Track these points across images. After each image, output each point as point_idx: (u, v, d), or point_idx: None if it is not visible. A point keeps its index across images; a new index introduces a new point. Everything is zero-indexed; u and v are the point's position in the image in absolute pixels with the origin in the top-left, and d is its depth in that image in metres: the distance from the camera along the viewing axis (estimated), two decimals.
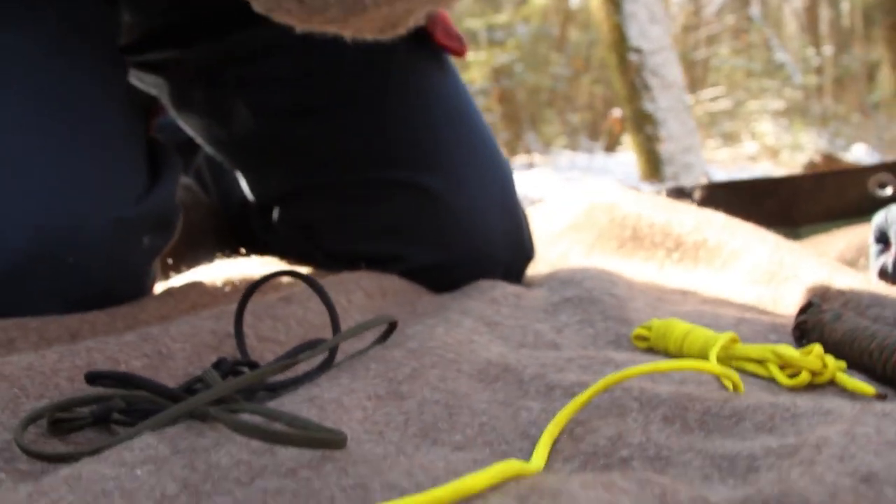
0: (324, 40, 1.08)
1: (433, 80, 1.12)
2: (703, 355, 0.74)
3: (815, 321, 0.78)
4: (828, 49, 11.81)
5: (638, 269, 1.19)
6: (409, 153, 1.08)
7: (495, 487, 0.44)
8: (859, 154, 6.46)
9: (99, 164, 0.86)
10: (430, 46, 1.11)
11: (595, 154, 7.68)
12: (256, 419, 0.53)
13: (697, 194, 1.54)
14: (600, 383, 0.56)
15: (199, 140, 1.19)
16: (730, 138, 10.59)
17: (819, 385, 0.67)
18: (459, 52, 1.14)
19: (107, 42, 0.95)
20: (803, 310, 0.81)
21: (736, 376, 0.62)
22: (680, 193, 1.56)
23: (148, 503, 0.45)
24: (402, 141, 1.08)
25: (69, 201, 0.81)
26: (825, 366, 0.68)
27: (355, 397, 0.60)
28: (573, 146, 9.01)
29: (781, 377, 0.68)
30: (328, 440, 0.49)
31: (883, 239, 1.06)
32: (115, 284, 0.86)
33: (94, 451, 0.51)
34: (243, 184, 1.21)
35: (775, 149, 9.59)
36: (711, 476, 0.50)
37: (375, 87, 1.08)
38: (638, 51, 4.61)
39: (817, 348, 0.70)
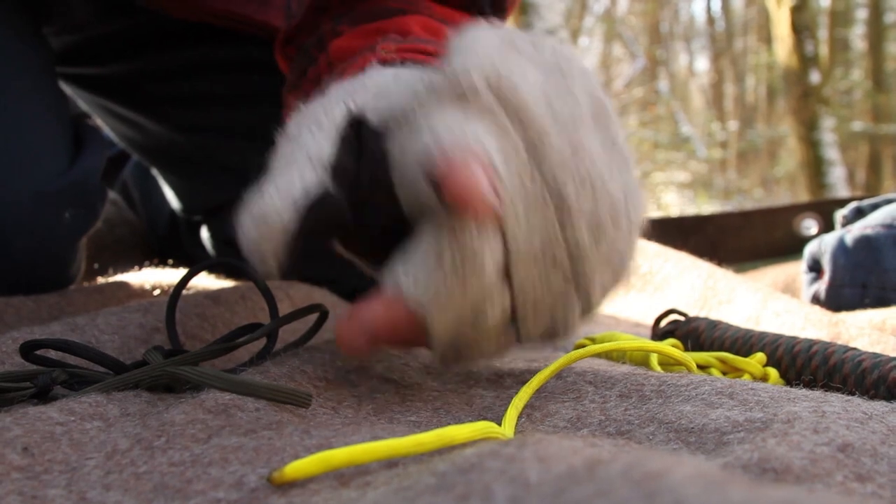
0: (245, 63, 1.07)
1: None
2: (646, 362, 0.73)
3: (687, 329, 0.78)
4: (732, 124, 12.16)
5: None
6: None
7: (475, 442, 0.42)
8: None
9: (16, 138, 0.83)
10: None
11: None
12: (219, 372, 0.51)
13: None
14: (563, 359, 0.55)
15: (123, 146, 1.16)
16: None
17: None
18: None
19: (26, 21, 0.92)
20: (662, 317, 0.80)
21: (692, 363, 0.62)
22: None
23: (98, 456, 0.42)
24: None
25: None
26: (767, 374, 0.68)
27: (306, 377, 0.58)
28: None
29: None
30: (294, 394, 0.46)
31: (815, 267, 1.08)
32: (37, 262, 0.84)
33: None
34: (170, 194, 1.18)
35: None
36: (680, 452, 0.49)
37: None
38: None
39: (760, 356, 0.69)
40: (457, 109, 0.49)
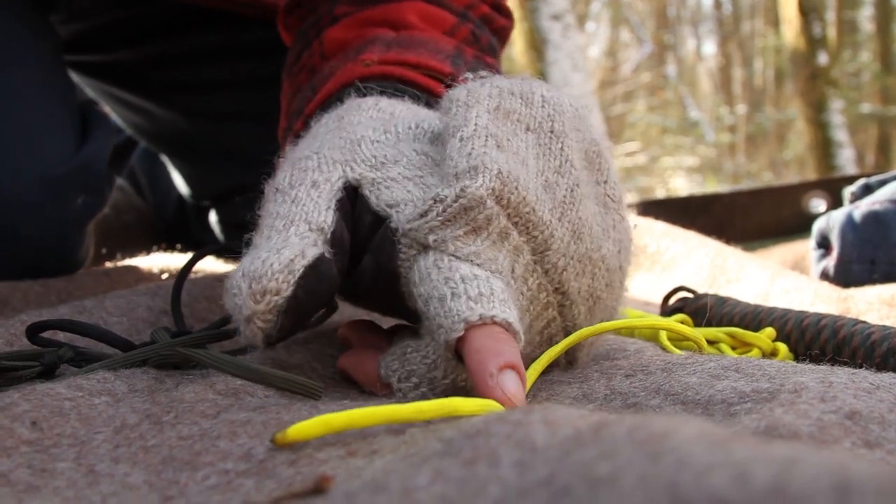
0: (252, 48, 1.07)
1: None
2: (656, 338, 0.73)
3: (696, 306, 0.77)
4: (741, 108, 12.11)
5: None
6: None
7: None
8: None
9: (22, 124, 0.84)
10: None
11: None
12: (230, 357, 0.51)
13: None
14: (572, 337, 0.54)
15: (131, 132, 1.16)
16: (644, 193, 10.76)
17: None
18: None
19: (33, 9, 0.92)
20: (670, 294, 0.80)
21: (703, 340, 0.61)
22: None
23: (107, 430, 0.42)
24: None
25: None
26: (776, 349, 0.68)
27: (316, 374, 0.58)
28: None
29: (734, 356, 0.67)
30: (306, 385, 0.46)
31: (824, 244, 1.08)
32: (44, 247, 0.84)
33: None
34: (179, 180, 1.18)
35: None
36: None
37: None
38: None
39: (769, 330, 0.69)
40: (471, 238, 0.50)
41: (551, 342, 0.55)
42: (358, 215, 0.55)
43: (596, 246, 0.54)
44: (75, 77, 1.12)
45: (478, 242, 0.50)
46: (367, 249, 0.54)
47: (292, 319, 0.49)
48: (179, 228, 1.27)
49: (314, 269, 0.49)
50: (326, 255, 0.50)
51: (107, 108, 1.16)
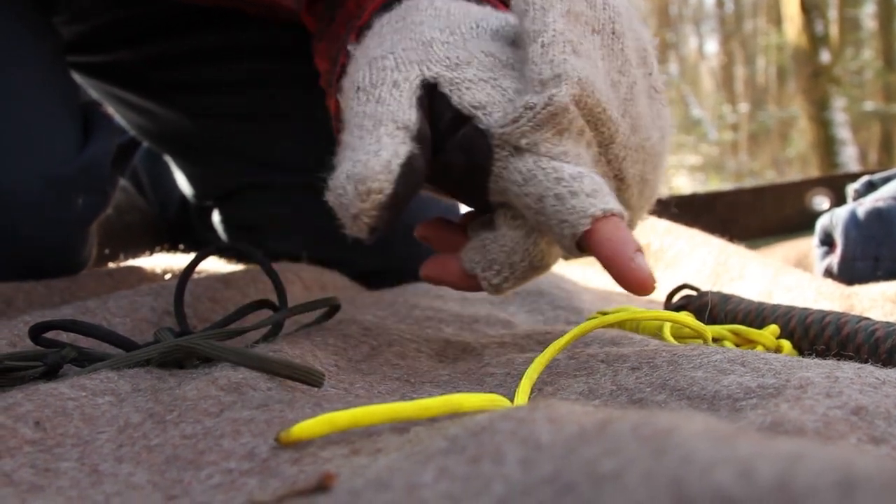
0: (253, 48, 1.07)
1: None
2: (660, 332, 0.73)
3: (699, 303, 0.77)
4: (743, 106, 12.09)
5: (579, 274, 1.18)
6: None
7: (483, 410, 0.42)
8: None
9: (24, 124, 0.83)
10: None
11: None
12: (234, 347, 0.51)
13: None
14: (576, 330, 0.55)
15: (134, 133, 1.16)
16: None
17: None
18: None
19: (34, 9, 0.92)
20: (674, 292, 0.80)
21: (708, 332, 0.61)
22: None
23: (110, 430, 0.42)
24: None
25: None
26: (780, 346, 0.68)
27: (318, 362, 0.58)
28: None
29: None
30: (308, 371, 0.46)
31: (827, 241, 1.08)
32: (46, 247, 0.84)
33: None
34: (182, 180, 1.18)
35: None
36: None
37: (306, 99, 1.06)
38: None
39: (773, 328, 0.69)
40: (558, 139, 0.55)
41: None
42: (437, 112, 0.58)
43: (647, 136, 0.60)
44: (78, 78, 1.12)
45: (564, 142, 0.55)
46: (447, 143, 0.58)
47: (392, 212, 0.53)
48: (182, 228, 1.26)
49: (408, 166, 0.53)
50: (415, 151, 0.55)
51: (110, 109, 1.16)
